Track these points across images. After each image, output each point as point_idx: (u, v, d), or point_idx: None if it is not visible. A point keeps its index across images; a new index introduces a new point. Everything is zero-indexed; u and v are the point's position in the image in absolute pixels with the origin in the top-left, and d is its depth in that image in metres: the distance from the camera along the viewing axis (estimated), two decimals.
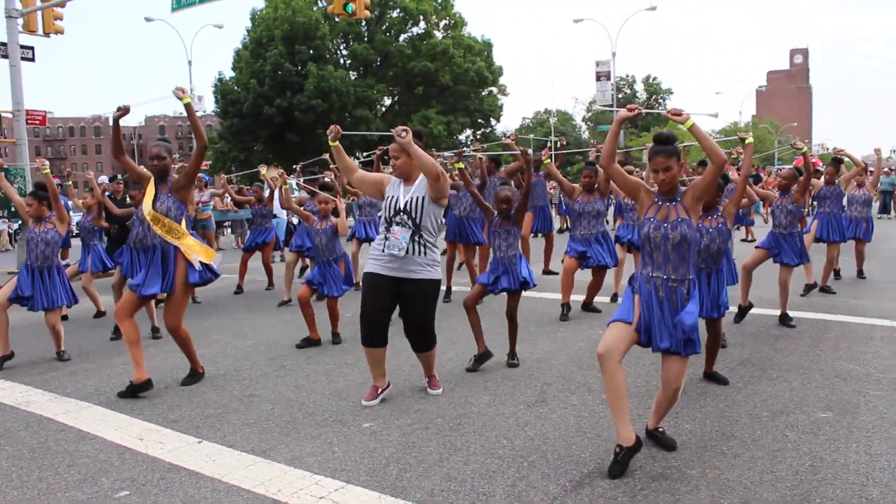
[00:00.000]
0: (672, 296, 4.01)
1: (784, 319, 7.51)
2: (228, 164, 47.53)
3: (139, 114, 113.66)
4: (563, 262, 8.52)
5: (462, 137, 53.67)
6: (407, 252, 5.13)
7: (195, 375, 6.17)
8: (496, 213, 6.34)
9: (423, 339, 5.41)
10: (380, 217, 5.75)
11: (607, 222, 13.43)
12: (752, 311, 7.63)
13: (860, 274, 10.70)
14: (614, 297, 9.15)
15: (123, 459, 4.44)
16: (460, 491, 3.81)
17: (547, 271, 11.69)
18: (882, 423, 4.65)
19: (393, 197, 5.26)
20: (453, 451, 4.38)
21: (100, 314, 9.64)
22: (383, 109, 51.53)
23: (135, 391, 5.77)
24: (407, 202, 5.20)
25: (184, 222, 5.95)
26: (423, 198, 5.19)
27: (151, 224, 5.86)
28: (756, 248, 7.93)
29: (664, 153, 4.06)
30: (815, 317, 7.89)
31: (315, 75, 43.81)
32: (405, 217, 5.16)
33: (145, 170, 6.17)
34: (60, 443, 4.78)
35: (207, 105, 47.00)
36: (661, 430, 4.38)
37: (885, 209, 25.76)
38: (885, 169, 30.38)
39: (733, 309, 7.03)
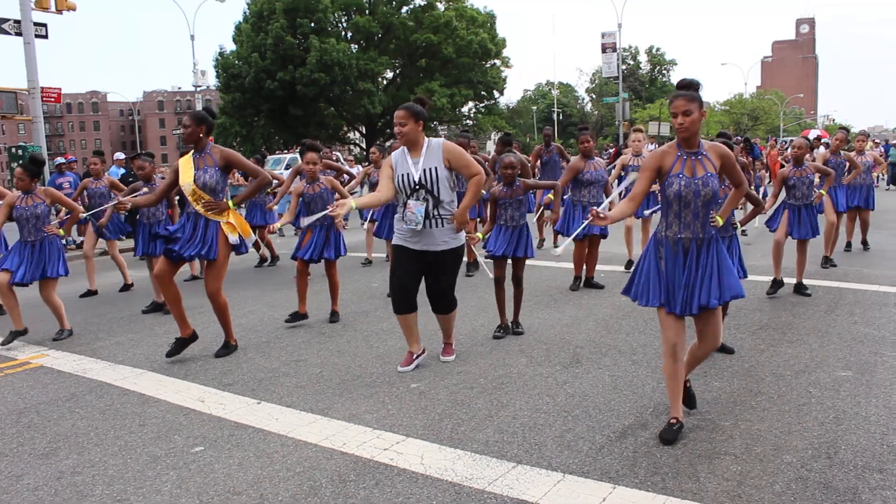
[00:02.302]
0: (701, 254, 3.95)
1: (799, 288, 7.72)
2: (231, 139, 47.60)
3: (137, 89, 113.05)
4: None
5: (465, 110, 53.71)
6: (425, 226, 5.22)
7: (228, 347, 6.31)
8: (503, 182, 6.45)
9: (444, 304, 5.59)
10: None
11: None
12: (767, 277, 7.91)
13: (865, 245, 10.84)
14: (629, 265, 9.29)
15: (190, 419, 4.75)
16: (513, 441, 4.13)
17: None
18: None
19: (405, 174, 5.24)
20: (500, 407, 4.69)
21: (126, 287, 9.95)
22: (385, 82, 51.51)
23: (183, 345, 6.15)
24: (421, 175, 5.20)
25: (227, 196, 6.14)
26: (437, 168, 5.20)
27: (194, 203, 5.95)
28: (773, 230, 7.93)
29: (685, 97, 3.90)
30: (829, 284, 8.20)
31: (317, 48, 43.80)
32: (422, 192, 5.20)
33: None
34: (126, 405, 5.09)
35: (210, 79, 46.88)
36: (688, 382, 4.39)
37: (893, 181, 25.89)
38: (894, 142, 30.53)
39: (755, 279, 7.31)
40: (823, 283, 8.28)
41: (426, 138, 5.30)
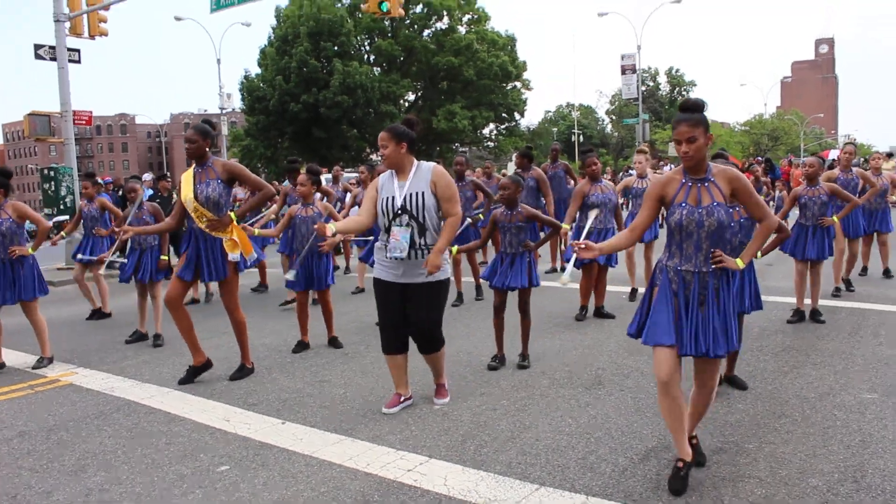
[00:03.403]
0: (703, 291, 3.66)
1: (815, 315, 7.41)
2: (255, 160, 48.12)
3: (164, 112, 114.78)
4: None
5: (486, 132, 53.97)
6: (409, 256, 4.85)
7: (243, 370, 6.22)
8: (502, 204, 6.18)
9: (429, 342, 5.13)
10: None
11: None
12: (789, 298, 7.83)
13: (887, 273, 10.18)
14: (633, 294, 9.03)
15: (216, 438, 4.80)
16: (535, 464, 4.14)
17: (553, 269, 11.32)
18: None
19: (388, 197, 4.90)
20: (523, 429, 4.71)
21: (97, 314, 9.62)
22: (407, 104, 51.92)
23: (195, 374, 6.15)
24: (405, 199, 4.85)
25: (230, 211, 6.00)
26: (423, 193, 4.85)
27: (196, 219, 5.88)
28: (785, 252, 7.57)
29: (689, 122, 3.58)
30: (852, 306, 8.13)
31: (340, 71, 44.26)
32: (405, 217, 4.85)
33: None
34: (153, 424, 5.16)
35: (235, 102, 47.49)
36: (694, 439, 4.02)
37: None
38: None
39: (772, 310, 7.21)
40: (847, 304, 8.21)
41: (416, 161, 4.98)
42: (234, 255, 5.99)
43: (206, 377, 6.21)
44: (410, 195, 4.85)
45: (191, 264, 6.02)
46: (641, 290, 8.77)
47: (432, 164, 5.03)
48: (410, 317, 5.01)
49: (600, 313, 8.11)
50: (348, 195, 12.32)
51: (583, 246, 3.70)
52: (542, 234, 7.05)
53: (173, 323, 6.12)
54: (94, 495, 3.98)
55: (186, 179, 5.96)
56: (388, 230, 4.90)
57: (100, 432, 5.03)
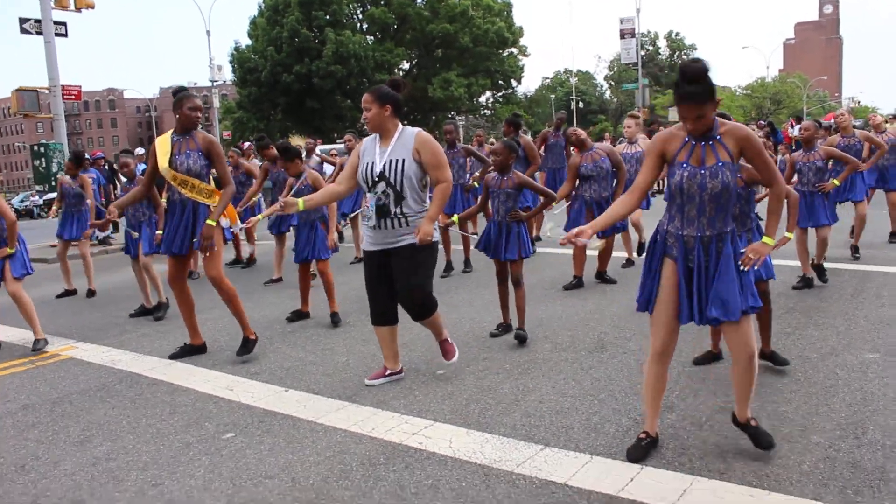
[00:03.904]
0: (706, 255, 3.48)
1: (820, 272, 7.38)
2: (248, 133, 47.86)
3: (153, 86, 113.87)
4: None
5: (482, 99, 53.65)
6: (385, 225, 4.69)
7: (247, 343, 5.90)
8: (494, 168, 6.03)
9: (418, 308, 4.88)
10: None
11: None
12: (795, 262, 7.78)
13: (893, 236, 9.84)
14: (628, 263, 8.89)
15: (220, 407, 4.82)
16: (540, 425, 4.16)
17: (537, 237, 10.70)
18: None
19: (369, 163, 4.70)
20: (526, 392, 4.72)
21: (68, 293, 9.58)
22: (402, 73, 51.52)
23: (189, 352, 6.09)
24: (385, 166, 4.64)
25: (211, 181, 5.82)
26: (404, 160, 4.63)
27: (179, 188, 5.66)
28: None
29: (695, 100, 3.28)
30: (855, 267, 8.13)
31: (333, 41, 43.95)
32: (383, 184, 4.64)
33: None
34: (156, 394, 5.17)
35: (226, 74, 47.15)
36: (753, 420, 3.70)
37: None
38: None
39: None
40: (850, 266, 8.22)
41: (400, 126, 4.75)
42: (224, 222, 5.93)
43: (210, 348, 6.20)
44: (390, 161, 4.63)
45: (178, 236, 5.78)
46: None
47: (417, 129, 4.79)
48: (396, 283, 4.82)
49: (602, 278, 8.05)
50: (328, 167, 12.23)
51: (574, 234, 3.46)
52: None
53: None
54: (101, 464, 4.00)
55: (163, 148, 5.66)
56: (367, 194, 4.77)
57: (103, 404, 5.04)
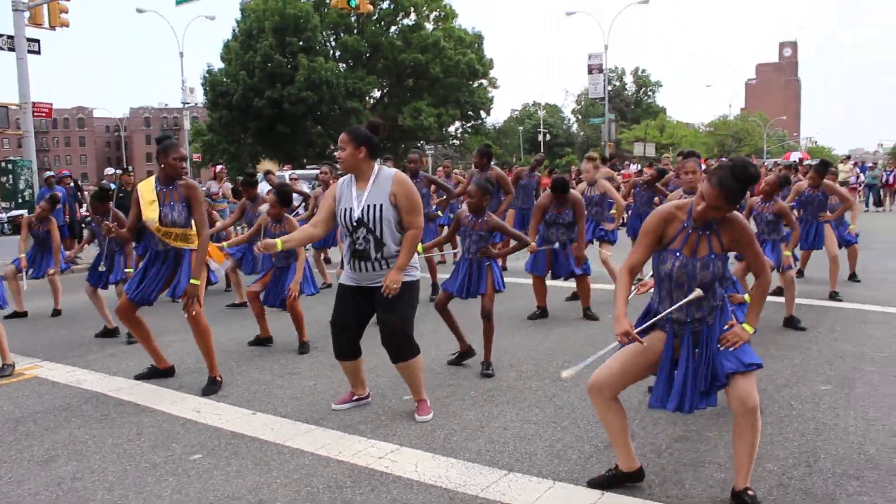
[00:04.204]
0: (697, 337, 3.49)
1: (790, 322, 7.26)
2: (217, 156, 47.72)
3: (123, 105, 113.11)
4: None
5: (452, 129, 54.11)
6: (366, 269, 4.64)
7: (215, 383, 5.72)
8: (468, 211, 6.01)
9: (397, 348, 4.76)
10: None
11: None
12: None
13: (853, 277, 10.02)
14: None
15: (187, 429, 4.83)
16: (504, 451, 4.25)
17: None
18: (876, 393, 5.14)
19: (346, 209, 4.61)
20: (491, 418, 4.82)
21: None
22: (373, 101, 51.88)
23: (155, 375, 6.07)
24: (363, 211, 4.56)
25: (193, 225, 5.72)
26: (381, 206, 4.54)
27: (164, 238, 5.61)
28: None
29: (735, 200, 3.30)
30: (812, 303, 8.38)
31: (305, 67, 44.14)
32: (363, 230, 4.57)
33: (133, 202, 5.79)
34: (123, 415, 5.17)
35: (198, 97, 47.08)
36: (750, 492, 3.47)
37: (878, 203, 26.27)
38: (870, 164, 31.15)
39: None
40: (805, 301, 8.44)
41: (376, 167, 4.64)
42: (212, 265, 5.92)
43: (178, 370, 6.20)
44: (368, 206, 4.54)
45: (154, 290, 5.73)
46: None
47: (393, 171, 4.67)
48: (379, 324, 4.75)
49: (587, 315, 8.00)
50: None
51: (623, 333, 3.40)
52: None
53: (146, 316, 6.08)
54: (66, 483, 4.00)
55: (147, 197, 5.61)
56: (348, 244, 4.69)
57: (68, 423, 5.02)
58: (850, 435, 4.37)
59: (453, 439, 4.47)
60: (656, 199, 9.81)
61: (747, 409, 3.32)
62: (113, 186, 13.19)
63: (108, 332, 7.88)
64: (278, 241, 4.72)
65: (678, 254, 3.43)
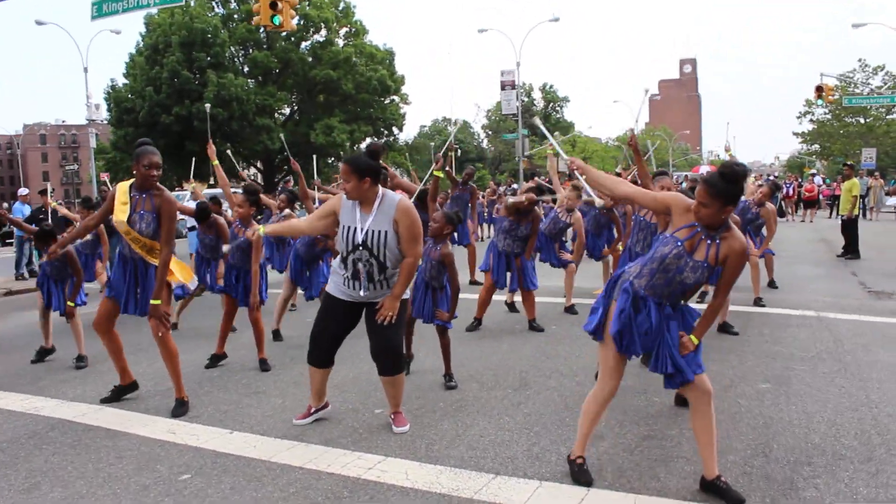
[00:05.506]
0: (661, 311, 3.80)
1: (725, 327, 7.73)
2: (121, 174, 46.23)
3: (16, 122, 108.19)
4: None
5: (364, 146, 54.02)
6: (367, 290, 4.76)
7: (183, 404, 5.70)
8: (429, 233, 5.98)
9: (389, 363, 4.91)
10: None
11: None
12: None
13: (772, 283, 10.80)
14: (570, 309, 9.21)
15: (167, 450, 4.87)
16: (486, 457, 4.50)
17: (473, 281, 11.54)
18: (810, 389, 5.66)
19: (349, 228, 4.66)
20: (466, 427, 5.06)
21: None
22: (284, 118, 51.39)
23: (121, 393, 6.06)
24: (367, 235, 4.62)
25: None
26: (386, 232, 4.59)
27: (131, 243, 5.59)
28: None
29: (717, 197, 3.51)
30: (738, 309, 8.92)
31: (214, 83, 43.38)
32: (365, 253, 4.65)
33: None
34: (95, 440, 5.14)
35: (104, 113, 45.57)
36: (723, 479, 3.80)
37: (780, 214, 27.73)
38: (771, 176, 32.97)
39: None
40: (733, 308, 9.02)
41: (381, 192, 4.67)
42: (175, 284, 5.90)
43: (140, 394, 6.18)
44: (372, 232, 4.59)
45: (130, 299, 5.70)
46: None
47: (398, 197, 4.69)
48: (370, 338, 4.88)
49: (532, 327, 8.27)
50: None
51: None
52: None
53: (93, 340, 5.99)
54: None
55: (121, 198, 5.57)
56: (344, 260, 4.74)
57: (40, 451, 4.97)
58: (795, 427, 4.83)
59: (435, 448, 4.69)
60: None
61: (704, 391, 3.79)
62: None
63: (45, 353, 7.75)
64: (261, 227, 4.89)
65: (679, 243, 3.62)
